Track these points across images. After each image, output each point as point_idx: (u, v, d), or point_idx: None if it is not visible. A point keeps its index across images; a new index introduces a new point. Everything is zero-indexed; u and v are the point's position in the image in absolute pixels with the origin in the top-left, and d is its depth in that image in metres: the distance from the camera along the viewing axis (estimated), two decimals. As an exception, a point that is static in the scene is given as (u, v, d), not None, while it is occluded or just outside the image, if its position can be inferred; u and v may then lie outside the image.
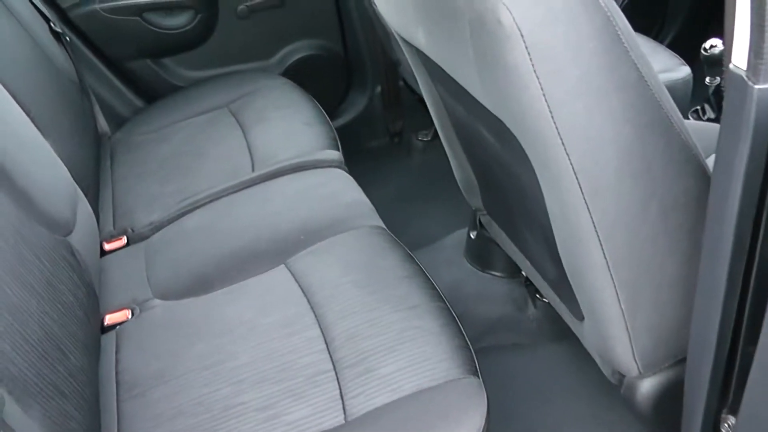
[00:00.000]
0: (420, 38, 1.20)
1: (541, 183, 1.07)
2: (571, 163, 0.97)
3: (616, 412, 1.61)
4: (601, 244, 1.04)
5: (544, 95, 0.91)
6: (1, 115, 1.46)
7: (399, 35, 1.37)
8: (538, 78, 0.90)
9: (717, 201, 0.92)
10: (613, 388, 1.33)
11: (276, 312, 1.41)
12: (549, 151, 0.98)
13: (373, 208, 1.67)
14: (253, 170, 1.88)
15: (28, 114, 1.62)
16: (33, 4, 2.12)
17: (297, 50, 2.66)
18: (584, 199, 1.00)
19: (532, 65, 0.89)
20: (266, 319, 1.40)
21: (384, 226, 1.61)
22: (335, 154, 1.90)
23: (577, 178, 0.98)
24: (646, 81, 0.94)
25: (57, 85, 1.96)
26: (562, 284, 1.31)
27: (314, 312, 1.39)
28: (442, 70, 1.20)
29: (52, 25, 2.17)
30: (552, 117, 0.93)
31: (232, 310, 1.45)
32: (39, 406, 1.05)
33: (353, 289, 1.40)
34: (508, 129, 1.05)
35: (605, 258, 1.06)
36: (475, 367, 1.27)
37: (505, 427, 1.66)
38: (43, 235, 1.36)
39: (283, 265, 1.53)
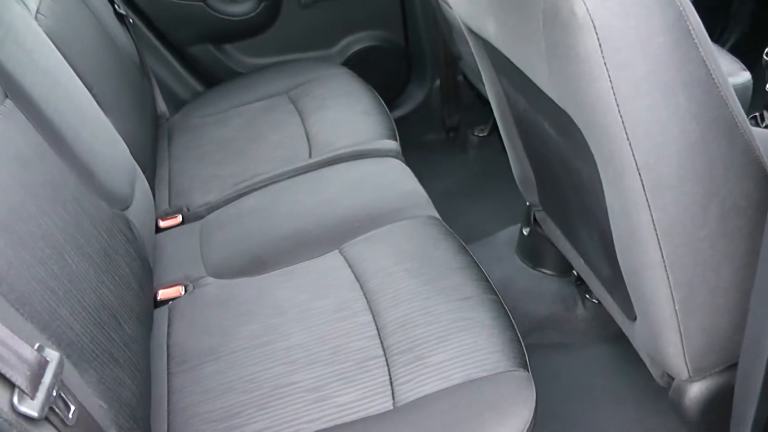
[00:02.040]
0: (489, 29, 1.20)
1: (603, 178, 1.07)
2: (634, 159, 0.96)
3: (661, 417, 1.59)
4: (659, 243, 1.04)
5: (612, 88, 0.91)
6: (66, 91, 1.48)
7: (467, 26, 1.37)
8: (607, 70, 0.90)
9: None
10: (659, 393, 1.32)
11: (329, 296, 1.42)
12: (613, 145, 0.97)
13: (429, 199, 1.67)
14: (310, 156, 1.90)
15: (90, 90, 1.65)
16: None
17: (358, 41, 2.67)
18: (646, 196, 0.99)
19: (603, 57, 0.89)
20: (319, 302, 1.41)
21: (439, 217, 1.61)
22: (393, 144, 1.90)
23: (639, 174, 0.98)
24: (713, 79, 0.94)
25: (119, 65, 2.00)
26: (615, 283, 1.30)
27: (366, 298, 1.40)
28: (509, 61, 1.20)
29: (116, 6, 2.20)
30: (619, 111, 0.93)
31: (285, 292, 1.47)
32: (94, 371, 1.07)
33: (406, 278, 1.41)
34: (572, 122, 1.05)
35: (662, 257, 1.05)
36: (525, 360, 1.27)
37: (547, 426, 1.64)
38: (102, 207, 1.39)
39: (337, 251, 1.54)
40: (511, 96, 1.44)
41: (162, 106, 2.37)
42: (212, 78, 2.55)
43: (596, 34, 0.88)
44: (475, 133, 2.75)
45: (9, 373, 0.84)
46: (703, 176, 1.00)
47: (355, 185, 1.75)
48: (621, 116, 0.93)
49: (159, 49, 2.47)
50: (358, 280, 1.44)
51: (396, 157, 1.86)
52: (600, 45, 0.88)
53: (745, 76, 1.83)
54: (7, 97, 1.25)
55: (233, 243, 1.68)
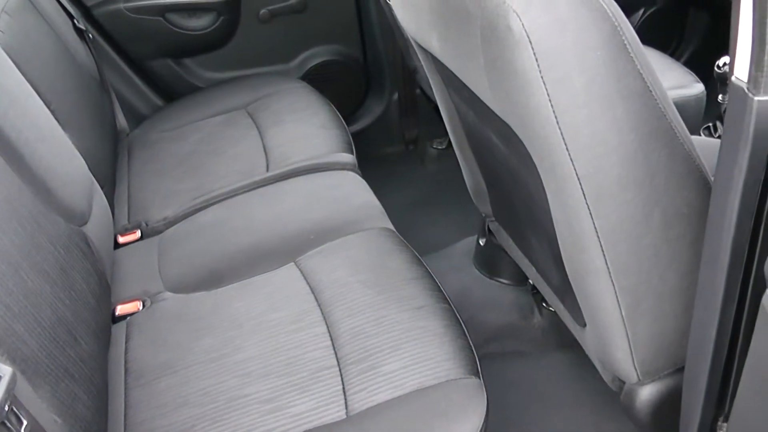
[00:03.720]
0: (434, 43, 1.22)
1: (546, 188, 1.09)
2: (575, 169, 0.99)
3: (616, 422, 1.62)
4: (603, 251, 1.06)
5: (550, 101, 0.94)
6: (23, 108, 1.49)
7: (414, 41, 1.40)
8: (545, 84, 0.92)
9: (716, 211, 0.94)
10: (615, 399, 1.34)
11: (284, 308, 1.44)
12: (554, 156, 1.00)
13: (384, 211, 1.70)
14: (267, 170, 1.92)
15: (48, 107, 1.66)
16: (58, 1, 2.16)
17: (317, 55, 2.69)
18: (587, 205, 1.02)
19: (540, 72, 0.91)
20: (274, 314, 1.43)
21: (393, 229, 1.63)
22: (349, 158, 1.93)
23: (580, 184, 1.00)
24: (651, 91, 0.96)
25: (78, 80, 2.00)
26: (565, 291, 1.33)
27: (321, 309, 1.41)
28: (455, 75, 1.22)
29: (75, 21, 2.21)
30: (557, 123, 0.95)
31: (242, 305, 1.48)
32: (49, 386, 1.08)
33: (360, 289, 1.43)
34: (515, 134, 1.07)
35: (607, 265, 1.07)
36: (477, 368, 1.29)
37: (503, 432, 1.68)
38: (59, 223, 1.40)
39: (293, 263, 1.56)
40: (461, 109, 1.46)
41: (122, 121, 2.38)
42: (172, 92, 2.56)
43: (532, 49, 0.90)
44: (434, 146, 2.79)
45: None
46: (644, 185, 1.02)
47: (311, 198, 1.77)
48: (560, 128, 0.95)
49: (118, 64, 2.48)
50: (312, 292, 1.46)
51: (352, 170, 1.89)
52: (537, 59, 0.91)
53: (698, 88, 1.87)
54: None
55: (190, 257, 1.69)
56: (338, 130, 2.06)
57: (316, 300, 1.44)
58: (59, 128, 1.64)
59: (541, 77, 0.91)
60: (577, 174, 0.99)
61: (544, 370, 1.85)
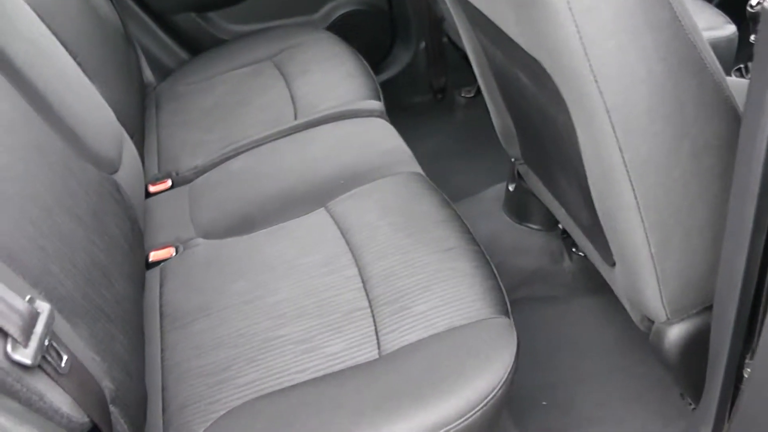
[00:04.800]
0: (460, -19, 1.22)
1: (575, 123, 1.09)
2: (604, 101, 0.98)
3: (647, 366, 1.62)
4: (632, 185, 1.06)
5: (578, 32, 0.93)
6: (50, 58, 1.50)
7: (441, -18, 1.40)
8: (573, 15, 0.91)
9: (746, 141, 0.93)
10: (645, 342, 1.35)
11: (316, 252, 1.45)
12: (582, 89, 0.99)
13: (412, 156, 1.70)
14: (295, 118, 1.92)
15: (75, 59, 1.67)
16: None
17: (341, 5, 2.67)
18: (616, 138, 1.01)
19: (568, 2, 0.91)
20: (306, 258, 1.44)
21: (422, 173, 1.63)
22: (377, 104, 1.93)
23: (609, 117, 0.99)
24: (680, 21, 0.95)
25: (102, 34, 2.01)
26: (595, 230, 1.33)
27: (352, 252, 1.43)
28: (482, 13, 1.22)
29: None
30: (586, 54, 0.95)
31: (274, 250, 1.50)
32: (86, 325, 1.10)
33: (391, 232, 1.44)
34: (543, 69, 1.07)
35: (636, 199, 1.07)
36: (507, 308, 1.30)
37: (536, 377, 1.69)
38: (90, 170, 1.41)
39: (323, 208, 1.57)
40: (489, 51, 1.46)
41: (148, 74, 2.39)
42: (197, 46, 2.55)
43: (560, -21, 0.89)
44: (462, 95, 2.77)
45: (1, 323, 0.87)
46: (673, 117, 1.01)
47: (340, 144, 1.77)
48: (588, 59, 0.95)
49: (142, 19, 2.47)
50: (343, 236, 1.47)
51: (380, 116, 1.88)
52: None
53: (730, 29, 1.84)
54: None
55: (222, 204, 1.71)
56: (365, 78, 2.06)
57: (347, 243, 1.45)
58: (86, 79, 1.65)
59: (569, 7, 0.91)
60: (606, 106, 0.99)
61: (573, 314, 1.85)
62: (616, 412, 1.60)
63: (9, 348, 0.87)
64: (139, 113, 2.07)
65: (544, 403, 1.66)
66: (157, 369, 1.34)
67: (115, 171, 1.54)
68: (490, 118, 1.73)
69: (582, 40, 0.93)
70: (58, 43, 1.60)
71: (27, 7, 1.55)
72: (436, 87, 2.80)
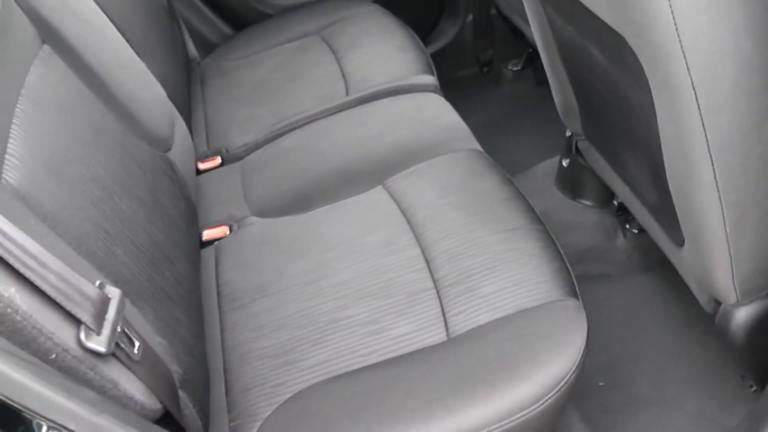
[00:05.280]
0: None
1: (656, 102, 1.05)
2: (690, 78, 0.95)
3: (702, 345, 1.58)
4: (712, 164, 1.03)
5: (670, 6, 0.89)
6: (101, 36, 1.47)
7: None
8: (665, -11, 0.88)
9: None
10: (701, 321, 1.31)
11: (376, 231, 1.42)
12: (670, 65, 0.96)
13: (470, 132, 1.65)
14: (347, 94, 1.88)
15: (123, 35, 1.64)
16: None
17: None
18: (701, 116, 0.98)
19: (661, -24, 0.87)
20: (367, 237, 1.41)
21: (481, 149, 1.59)
22: (431, 79, 1.88)
23: (695, 94, 0.96)
24: (770, -6, 0.91)
25: (148, 10, 1.98)
26: (663, 209, 1.29)
27: (414, 232, 1.39)
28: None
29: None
30: (676, 29, 0.91)
31: (333, 228, 1.47)
32: (152, 309, 1.08)
33: (452, 211, 1.40)
34: (626, 45, 1.03)
35: (715, 179, 1.04)
36: (575, 289, 1.27)
37: (591, 357, 1.65)
38: (145, 149, 1.39)
39: (381, 186, 1.53)
40: (556, 25, 1.41)
41: (192, 50, 2.36)
42: (242, 21, 2.50)
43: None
44: (509, 68, 2.71)
45: (74, 310, 0.85)
46: (758, 95, 0.98)
47: (395, 121, 1.73)
48: (678, 35, 0.92)
49: (186, -8, 2.45)
50: (404, 215, 1.44)
51: (434, 91, 1.84)
52: None
53: None
54: (44, 42, 1.24)
55: (276, 182, 1.68)
56: (417, 52, 2.01)
57: (408, 223, 1.42)
58: (136, 56, 1.62)
59: (662, -19, 0.87)
60: (693, 83, 0.95)
61: (628, 292, 1.81)
62: (672, 394, 1.56)
63: (83, 336, 0.85)
64: (185, 89, 2.04)
65: (601, 383, 1.62)
66: (217, 350, 1.32)
67: (169, 149, 1.52)
68: (537, 92, 1.70)
69: (674, 15, 0.90)
70: (108, 21, 1.57)
71: None
72: (483, 60, 2.75)
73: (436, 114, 1.73)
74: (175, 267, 1.26)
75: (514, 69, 2.69)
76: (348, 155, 1.67)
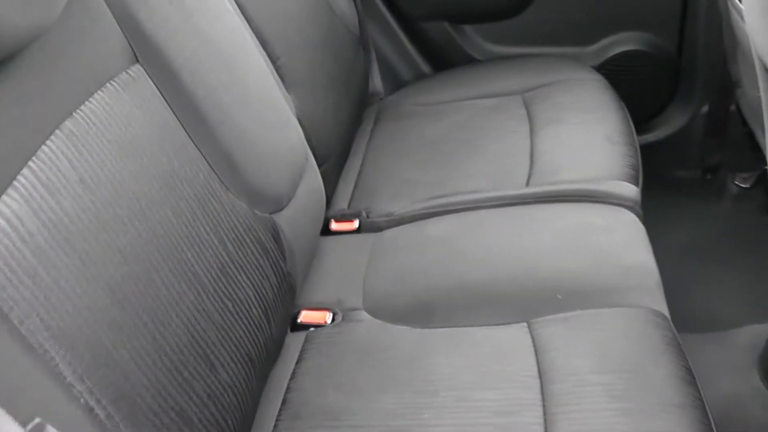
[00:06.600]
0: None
1: None
2: None
3: None
4: None
5: None
6: (228, 61, 1.17)
7: (763, 62, 0.98)
8: None
9: None
10: None
11: (498, 387, 1.08)
12: None
13: (660, 284, 1.25)
14: (527, 184, 1.52)
15: (275, 62, 1.40)
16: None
17: (622, 42, 2.21)
18: None
19: None
20: (482, 393, 1.07)
21: (666, 313, 1.19)
22: (632, 191, 1.48)
23: None
24: None
25: (328, 32, 1.72)
26: None
27: (544, 406, 1.03)
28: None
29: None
30: None
31: (446, 364, 1.14)
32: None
33: (603, 399, 1.02)
34: None
35: None
36: None
37: None
38: (239, 210, 1.10)
39: (525, 324, 1.18)
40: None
41: (377, 83, 2.09)
42: (441, 60, 2.21)
43: None
44: (736, 182, 2.25)
45: None
46: None
47: (571, 240, 1.35)
48: None
49: (387, 20, 2.17)
50: (540, 377, 1.08)
51: (632, 209, 1.43)
52: None
53: None
54: (137, 62, 0.99)
55: (404, 277, 1.36)
56: (626, 148, 1.61)
57: (542, 391, 1.05)
58: (278, 89, 1.34)
59: None
60: None
61: None
62: None
63: None
64: (348, 130, 1.76)
65: None
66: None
67: (280, 209, 1.22)
68: (763, 222, 1.27)
69: None
70: (251, 43, 1.30)
71: None
72: (708, 164, 2.30)
73: (624, 244, 1.33)
74: (218, 373, 0.96)
75: (743, 185, 2.22)
76: (498, 269, 1.31)
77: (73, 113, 0.87)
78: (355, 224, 1.54)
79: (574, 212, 1.42)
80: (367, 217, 1.54)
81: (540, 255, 1.32)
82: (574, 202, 1.45)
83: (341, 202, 1.62)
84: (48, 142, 0.82)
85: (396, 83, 2.16)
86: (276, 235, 1.19)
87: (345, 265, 1.43)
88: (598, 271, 1.27)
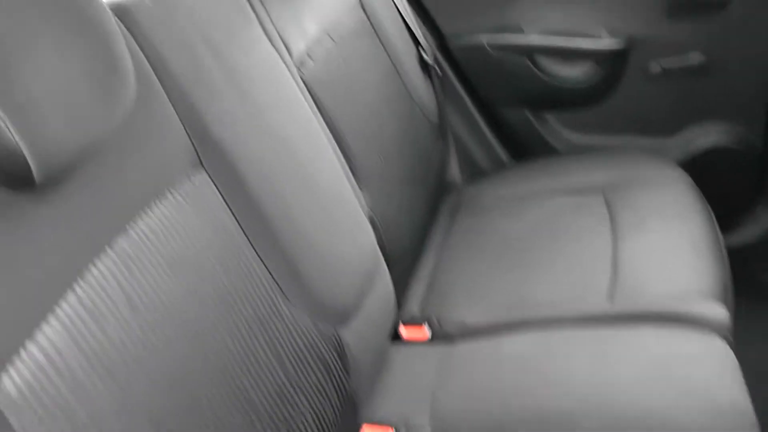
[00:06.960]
0: None
1: None
2: None
3: None
4: None
5: None
6: (296, 165, 1.13)
7: None
8: None
9: None
10: None
11: None
12: None
13: (756, 425, 1.15)
14: (610, 300, 1.43)
15: (349, 161, 1.35)
16: (407, 25, 1.84)
17: (707, 134, 2.11)
18: None
19: None
20: None
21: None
22: (721, 314, 1.37)
23: None
24: None
25: (406, 123, 1.68)
26: None
27: None
28: None
29: (423, 54, 1.88)
30: None
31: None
32: None
33: None
34: None
35: None
36: None
37: None
38: (301, 325, 1.05)
39: None
40: None
41: (455, 172, 2.03)
42: (520, 148, 2.17)
43: None
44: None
45: None
46: None
47: (654, 371, 1.24)
48: None
49: (467, 107, 2.12)
50: None
51: (721, 333, 1.33)
52: None
53: None
54: (201, 166, 0.95)
55: (476, 395, 1.29)
56: (715, 261, 1.51)
57: None
58: (350, 188, 1.30)
59: None
60: None
61: None
62: None
63: None
64: (423, 227, 1.70)
65: None
66: None
67: (345, 321, 1.17)
68: None
69: None
70: (322, 137, 1.26)
71: (295, 91, 1.22)
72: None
73: (715, 378, 1.22)
74: None
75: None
76: (576, 400, 1.22)
77: (128, 228, 0.82)
78: (426, 332, 1.47)
79: (660, 338, 1.32)
80: (440, 325, 1.47)
81: (622, 388, 1.23)
82: (656, 323, 1.35)
83: (412, 305, 1.56)
84: (97, 262, 0.77)
85: (473, 171, 2.11)
86: (340, 351, 1.13)
87: (415, 375, 1.36)
88: (685, 411, 1.17)
